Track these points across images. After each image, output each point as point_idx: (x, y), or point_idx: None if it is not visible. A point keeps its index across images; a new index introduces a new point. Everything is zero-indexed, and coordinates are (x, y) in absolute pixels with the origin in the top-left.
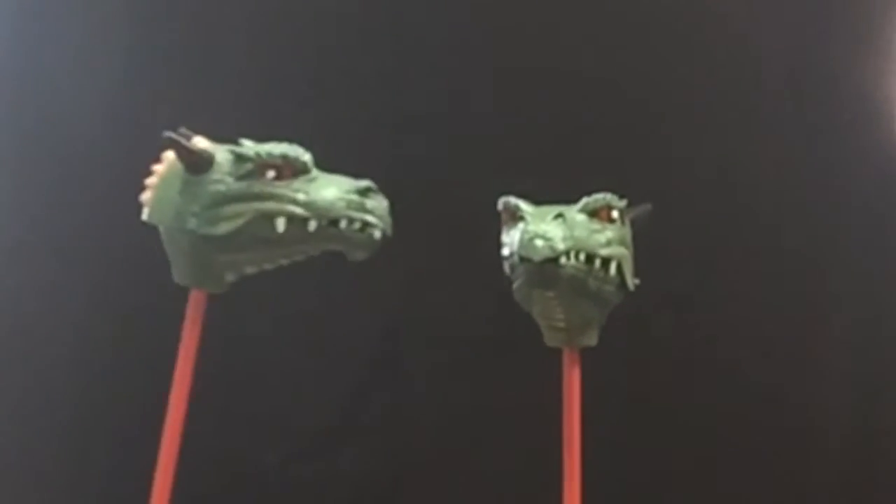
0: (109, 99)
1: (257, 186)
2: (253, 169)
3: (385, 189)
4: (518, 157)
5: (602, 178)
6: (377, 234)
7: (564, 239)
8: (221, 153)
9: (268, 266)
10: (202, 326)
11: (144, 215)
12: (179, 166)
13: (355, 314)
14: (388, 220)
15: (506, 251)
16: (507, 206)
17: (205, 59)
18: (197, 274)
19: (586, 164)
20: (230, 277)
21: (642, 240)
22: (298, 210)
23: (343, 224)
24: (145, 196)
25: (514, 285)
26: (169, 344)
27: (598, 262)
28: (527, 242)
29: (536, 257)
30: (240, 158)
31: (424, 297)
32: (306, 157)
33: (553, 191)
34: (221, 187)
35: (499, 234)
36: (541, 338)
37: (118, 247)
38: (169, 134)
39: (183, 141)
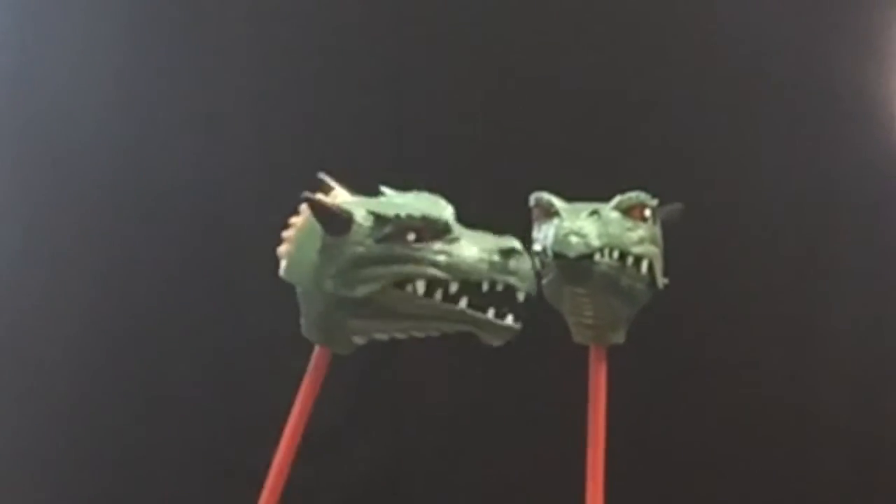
0: (109, 99)
1: (397, 249)
2: (392, 231)
3: (389, 186)
4: (519, 159)
5: (598, 177)
6: (521, 295)
7: (599, 236)
8: (361, 212)
9: (399, 335)
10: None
11: (281, 272)
12: (316, 224)
13: None
14: (533, 281)
15: (537, 246)
16: (539, 201)
17: (204, 59)
18: (328, 333)
19: (584, 164)
20: (359, 341)
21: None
22: (439, 273)
23: (485, 287)
24: (282, 250)
25: (544, 281)
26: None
27: (630, 260)
28: (562, 238)
29: (571, 253)
30: (379, 220)
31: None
32: (447, 214)
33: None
34: (361, 249)
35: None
36: (546, 336)
37: (118, 246)
38: (308, 195)
39: (324, 202)
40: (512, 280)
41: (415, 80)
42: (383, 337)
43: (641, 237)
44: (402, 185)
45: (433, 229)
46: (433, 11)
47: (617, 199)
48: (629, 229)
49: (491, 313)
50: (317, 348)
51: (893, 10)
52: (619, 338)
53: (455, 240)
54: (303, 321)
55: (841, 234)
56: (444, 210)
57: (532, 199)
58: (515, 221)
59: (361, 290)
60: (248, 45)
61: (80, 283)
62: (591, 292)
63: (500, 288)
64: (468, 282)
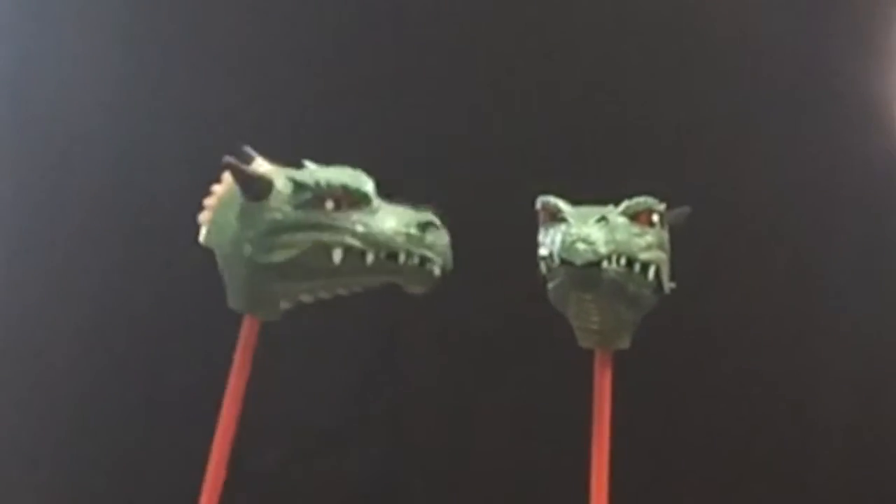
0: (109, 99)
1: (315, 216)
2: (311, 198)
3: (385, 188)
4: (520, 159)
5: (601, 179)
6: (436, 270)
7: (607, 243)
8: (281, 180)
9: (324, 295)
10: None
11: (201, 238)
12: (237, 189)
13: (355, 314)
14: (449, 255)
15: (543, 251)
16: (546, 205)
17: (204, 59)
18: (252, 301)
19: (584, 166)
20: (285, 305)
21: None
22: (356, 242)
23: (402, 258)
24: (203, 217)
25: (550, 286)
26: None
27: (637, 267)
28: (569, 245)
29: (579, 261)
30: (299, 187)
31: (424, 298)
32: (368, 187)
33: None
34: (278, 215)
35: (502, 233)
36: (545, 337)
37: (117, 246)
38: (228, 158)
39: (242, 166)
40: (428, 253)
41: (414, 81)
42: (309, 299)
43: (649, 243)
44: (403, 188)
45: (352, 199)
46: (432, 12)
47: (624, 205)
48: (637, 235)
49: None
50: (245, 318)
51: (893, 10)
52: (625, 343)
53: (374, 211)
54: (228, 292)
55: (840, 235)
56: (365, 183)
57: (538, 202)
58: (519, 224)
59: (279, 256)
60: (249, 47)
61: (79, 283)
62: (598, 298)
63: (415, 261)
64: (385, 252)
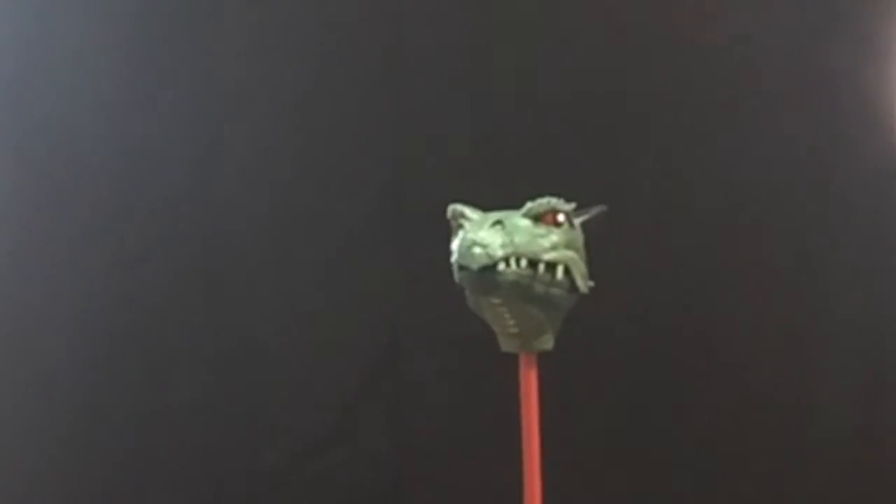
0: (109, 99)
1: None
2: None
3: (386, 188)
4: (521, 159)
5: (589, 182)
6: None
7: (503, 245)
8: None
9: None
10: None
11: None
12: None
13: (355, 314)
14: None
15: (453, 258)
16: (453, 213)
17: (204, 60)
18: None
19: (575, 166)
20: None
21: (641, 238)
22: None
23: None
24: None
25: (466, 293)
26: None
27: (542, 267)
28: (465, 251)
29: (474, 265)
30: None
31: (424, 297)
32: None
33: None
34: None
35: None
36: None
37: (116, 246)
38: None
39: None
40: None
41: (412, 82)
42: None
43: (554, 243)
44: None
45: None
46: (430, 13)
47: (526, 207)
48: (540, 236)
49: None
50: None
51: (894, 11)
52: (547, 344)
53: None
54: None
55: (841, 234)
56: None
57: (448, 210)
58: None
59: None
60: (250, 47)
61: (78, 284)
62: (506, 301)
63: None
64: None
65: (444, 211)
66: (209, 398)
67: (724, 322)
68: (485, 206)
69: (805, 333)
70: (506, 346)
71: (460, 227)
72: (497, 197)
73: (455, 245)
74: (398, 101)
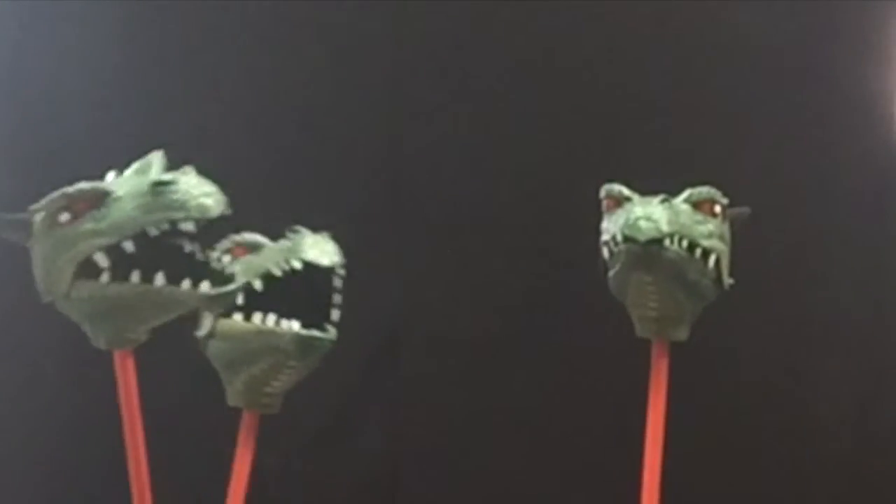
0: (108, 98)
1: (56, 234)
2: (45, 217)
3: (385, 189)
4: (519, 160)
5: (588, 182)
6: (188, 225)
7: (670, 222)
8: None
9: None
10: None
11: None
12: None
13: (355, 314)
14: (206, 195)
15: (606, 236)
16: (610, 192)
17: (204, 59)
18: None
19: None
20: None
21: None
22: (103, 241)
23: (153, 232)
24: None
25: (611, 272)
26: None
27: (698, 252)
28: (633, 223)
29: (642, 237)
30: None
31: (424, 297)
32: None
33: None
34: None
35: (500, 233)
36: (545, 338)
37: None
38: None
39: None
40: (172, 214)
41: (412, 82)
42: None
43: (711, 231)
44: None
45: (85, 200)
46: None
47: (687, 192)
48: (699, 222)
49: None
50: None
51: (894, 11)
52: (683, 334)
53: (115, 200)
54: None
55: (841, 234)
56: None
57: (603, 190)
58: (519, 225)
59: (47, 297)
60: (248, 45)
61: None
62: (658, 281)
63: (164, 227)
64: (135, 235)
65: (445, 211)
66: (208, 397)
67: (724, 321)
68: (485, 206)
69: (804, 333)
70: (642, 330)
71: (627, 200)
72: (498, 197)
73: (619, 219)
74: (398, 101)
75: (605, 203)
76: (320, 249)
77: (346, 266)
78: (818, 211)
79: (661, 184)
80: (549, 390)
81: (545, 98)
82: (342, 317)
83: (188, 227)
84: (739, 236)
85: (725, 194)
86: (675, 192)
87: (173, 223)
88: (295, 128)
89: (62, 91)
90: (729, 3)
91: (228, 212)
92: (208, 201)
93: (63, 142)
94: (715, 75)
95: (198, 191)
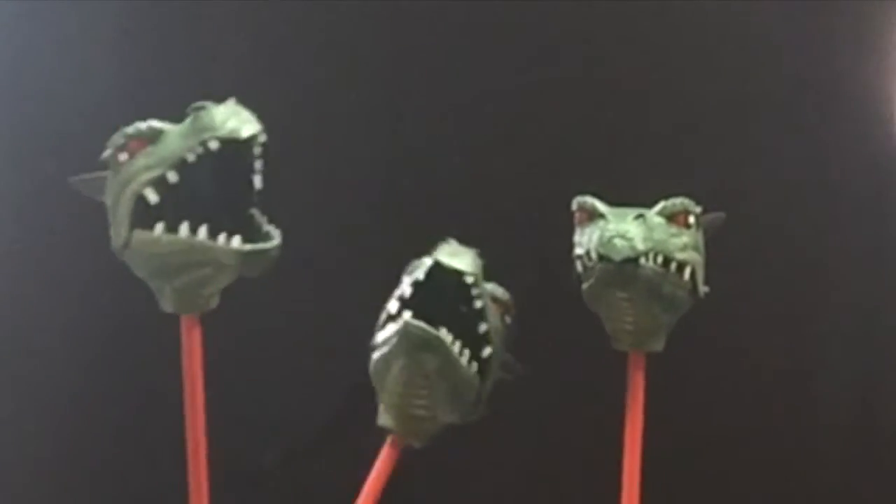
0: (108, 98)
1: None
2: (107, 159)
3: (386, 189)
4: (521, 159)
5: (589, 182)
6: (214, 143)
7: (644, 240)
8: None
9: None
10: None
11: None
12: None
13: (355, 314)
14: (242, 120)
15: (579, 250)
16: (582, 205)
17: (204, 59)
18: (179, 301)
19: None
20: (213, 303)
21: None
22: (152, 174)
23: (191, 158)
24: None
25: (585, 285)
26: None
27: (673, 266)
28: (607, 241)
29: (616, 256)
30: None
31: None
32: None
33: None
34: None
35: (503, 236)
36: (545, 338)
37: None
38: None
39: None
40: (203, 136)
41: (412, 81)
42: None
43: (685, 244)
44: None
45: (140, 139)
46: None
47: (661, 205)
48: (673, 235)
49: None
50: (182, 320)
51: (894, 10)
52: (658, 345)
53: (165, 135)
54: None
55: (841, 234)
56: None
57: (574, 203)
58: (520, 226)
59: (116, 242)
60: (247, 42)
61: (76, 279)
62: (633, 297)
63: (199, 151)
64: (176, 163)
65: (444, 211)
66: (207, 397)
67: (723, 321)
68: (485, 207)
69: (804, 333)
70: (617, 343)
71: (600, 216)
72: (499, 197)
73: (592, 235)
74: (398, 100)
75: (577, 215)
76: (237, 120)
77: (346, 266)
78: (818, 211)
79: (661, 184)
80: (548, 391)
81: (546, 98)
82: (342, 317)
83: (213, 145)
84: (739, 237)
85: (725, 195)
86: (674, 194)
87: (204, 144)
88: (293, 126)
89: (62, 91)
90: (729, 3)
91: (262, 138)
92: (236, 123)
93: (63, 142)
94: (714, 75)
95: (229, 114)
